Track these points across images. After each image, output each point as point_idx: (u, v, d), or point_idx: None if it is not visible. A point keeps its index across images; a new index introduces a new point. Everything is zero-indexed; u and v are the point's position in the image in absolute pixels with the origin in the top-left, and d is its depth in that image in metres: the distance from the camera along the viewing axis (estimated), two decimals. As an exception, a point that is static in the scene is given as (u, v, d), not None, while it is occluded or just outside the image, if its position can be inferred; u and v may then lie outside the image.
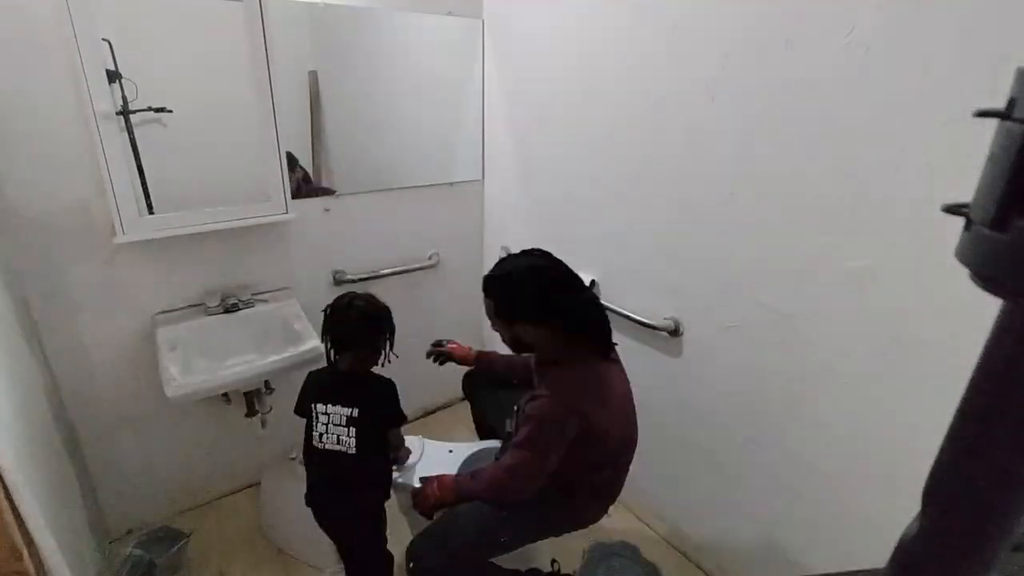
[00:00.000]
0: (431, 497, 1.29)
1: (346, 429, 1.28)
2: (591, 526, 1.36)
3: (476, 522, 1.24)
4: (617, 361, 1.30)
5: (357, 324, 1.28)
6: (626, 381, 1.30)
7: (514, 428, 1.27)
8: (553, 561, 1.52)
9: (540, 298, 1.18)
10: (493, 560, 1.32)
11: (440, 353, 1.64)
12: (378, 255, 2.02)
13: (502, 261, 1.29)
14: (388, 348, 1.32)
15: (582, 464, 1.22)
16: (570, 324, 1.20)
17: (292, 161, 1.72)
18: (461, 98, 2.06)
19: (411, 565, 1.24)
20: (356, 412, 1.28)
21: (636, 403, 1.31)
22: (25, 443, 1.12)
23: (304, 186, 1.78)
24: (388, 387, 1.34)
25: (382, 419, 1.33)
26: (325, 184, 1.83)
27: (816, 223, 1.15)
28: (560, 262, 1.24)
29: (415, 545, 1.27)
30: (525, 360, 1.46)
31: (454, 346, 1.65)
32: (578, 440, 1.17)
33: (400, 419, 1.36)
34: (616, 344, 1.29)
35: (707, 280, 1.42)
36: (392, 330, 1.33)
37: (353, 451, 1.28)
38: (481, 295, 1.26)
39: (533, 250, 1.28)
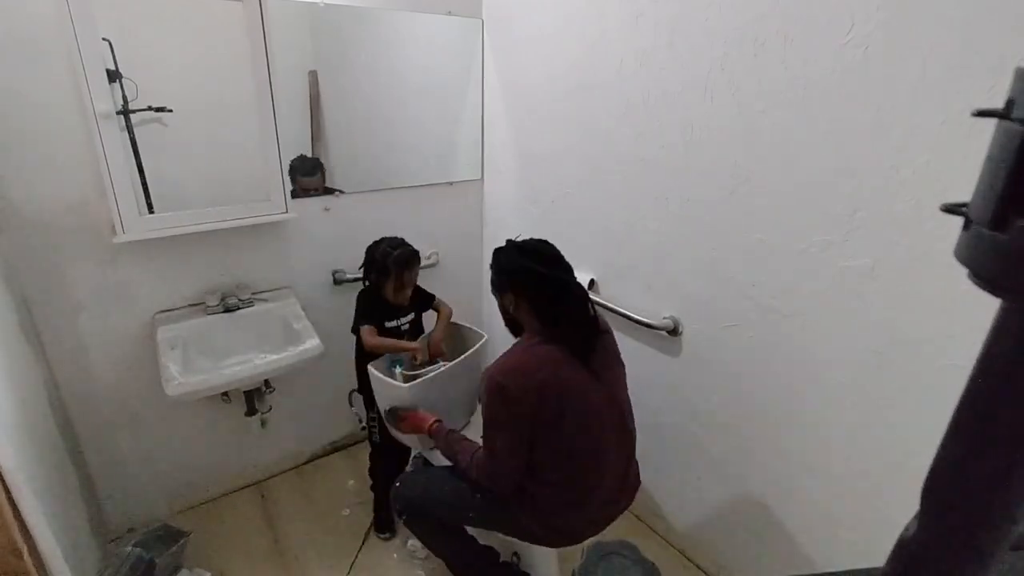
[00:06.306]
0: (407, 427, 1.42)
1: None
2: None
3: (455, 489, 1.33)
4: (598, 373, 1.17)
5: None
6: (603, 391, 1.17)
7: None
8: (514, 554, 1.53)
9: (509, 266, 1.20)
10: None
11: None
12: (378, 255, 2.01)
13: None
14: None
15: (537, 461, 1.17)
16: (537, 300, 1.16)
17: (315, 165, 1.79)
18: (461, 98, 2.06)
19: (397, 485, 1.41)
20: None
21: (635, 401, 1.30)
22: (25, 443, 1.12)
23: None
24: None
25: None
26: (326, 184, 1.83)
27: (815, 222, 1.15)
28: (547, 245, 1.24)
29: (403, 476, 1.45)
30: None
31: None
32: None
33: (355, 324, 1.62)
34: (594, 351, 1.17)
35: (706, 279, 1.43)
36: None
37: None
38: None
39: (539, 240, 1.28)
